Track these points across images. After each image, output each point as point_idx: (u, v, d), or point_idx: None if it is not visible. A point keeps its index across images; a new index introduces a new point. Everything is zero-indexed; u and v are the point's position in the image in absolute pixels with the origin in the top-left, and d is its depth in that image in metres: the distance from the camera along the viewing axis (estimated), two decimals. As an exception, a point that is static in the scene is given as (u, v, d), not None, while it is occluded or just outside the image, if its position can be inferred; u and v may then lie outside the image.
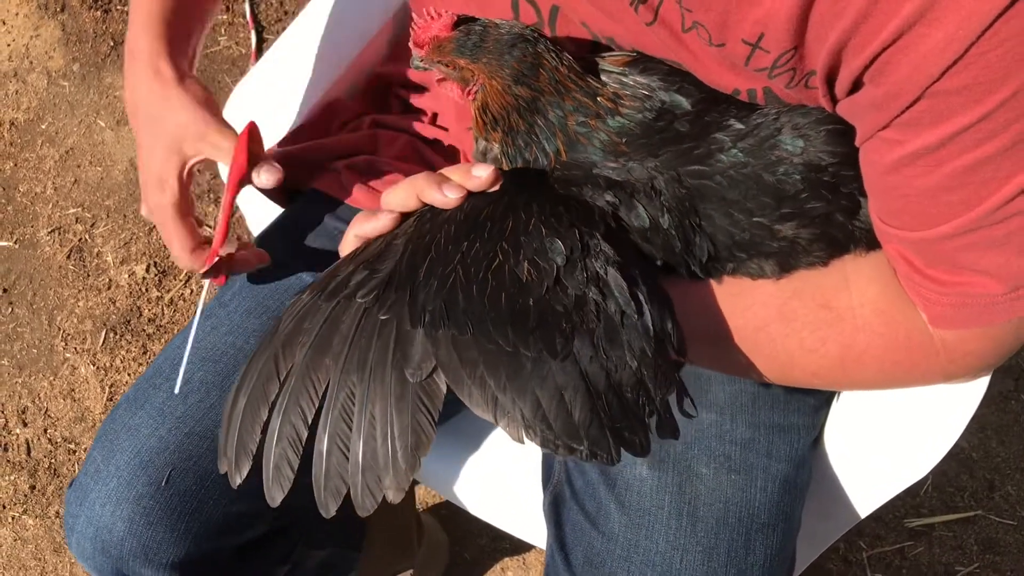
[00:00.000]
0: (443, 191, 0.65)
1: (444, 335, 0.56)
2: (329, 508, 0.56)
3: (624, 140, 0.66)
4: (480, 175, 0.65)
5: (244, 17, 1.96)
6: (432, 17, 0.67)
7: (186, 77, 0.85)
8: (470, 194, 0.66)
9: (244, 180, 0.83)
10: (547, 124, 0.66)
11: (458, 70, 0.67)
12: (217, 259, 0.84)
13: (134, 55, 0.85)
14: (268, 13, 1.97)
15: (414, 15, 0.68)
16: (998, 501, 1.50)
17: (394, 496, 0.55)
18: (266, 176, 0.83)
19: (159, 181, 0.82)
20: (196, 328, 0.86)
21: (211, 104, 0.85)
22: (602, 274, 0.59)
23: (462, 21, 0.67)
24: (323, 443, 0.56)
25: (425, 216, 0.65)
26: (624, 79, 0.67)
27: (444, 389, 0.55)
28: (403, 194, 0.67)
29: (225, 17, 1.97)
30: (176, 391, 0.83)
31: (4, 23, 2.00)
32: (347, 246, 0.69)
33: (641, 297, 0.59)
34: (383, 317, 0.57)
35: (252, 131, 0.84)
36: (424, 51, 0.68)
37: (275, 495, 0.57)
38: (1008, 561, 1.47)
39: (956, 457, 1.52)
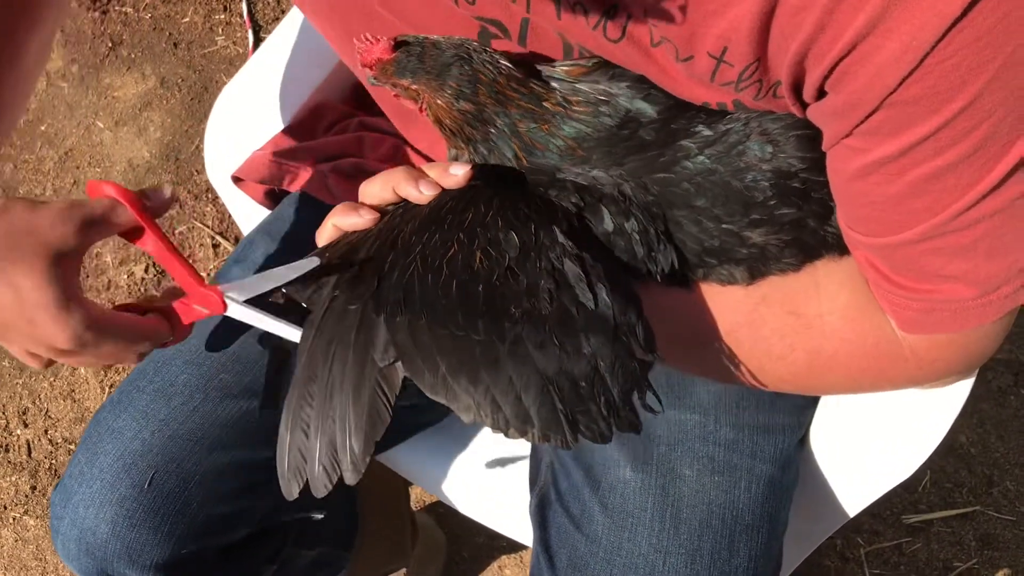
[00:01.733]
0: (418, 187, 0.66)
1: (401, 321, 0.57)
2: (292, 490, 0.57)
3: (582, 145, 0.66)
4: (456, 173, 0.67)
5: (241, 16, 1.96)
6: (371, 41, 0.68)
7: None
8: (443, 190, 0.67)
9: (147, 216, 0.67)
10: (499, 132, 0.67)
11: (404, 89, 0.68)
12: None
13: None
14: (265, 12, 1.97)
15: (355, 40, 0.69)
16: (997, 497, 1.49)
17: (350, 478, 0.55)
18: (156, 195, 0.67)
19: (57, 305, 0.62)
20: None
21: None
22: (558, 266, 0.59)
23: (401, 43, 0.67)
24: (287, 424, 0.57)
25: (398, 211, 0.67)
26: (577, 86, 0.66)
27: (402, 376, 0.56)
28: (380, 187, 0.68)
29: (222, 17, 1.97)
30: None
31: (4, 25, 2.01)
32: (324, 234, 0.70)
33: (601, 289, 0.59)
34: (351, 307, 0.59)
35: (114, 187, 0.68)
36: (373, 72, 0.69)
37: (292, 490, 0.58)
38: (1006, 557, 1.46)
39: (954, 452, 1.51)
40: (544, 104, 0.66)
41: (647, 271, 0.66)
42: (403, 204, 0.67)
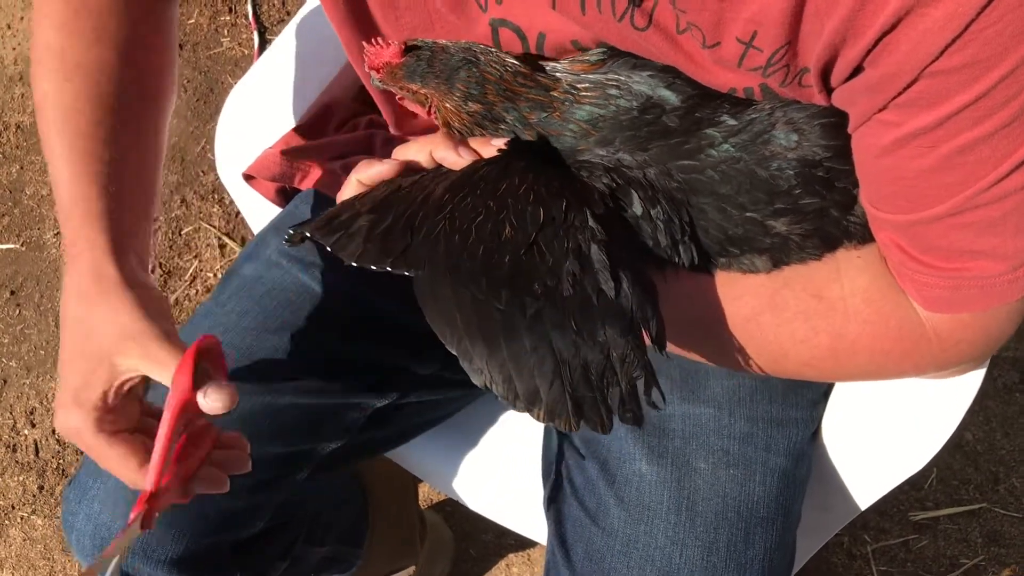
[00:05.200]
0: (457, 151, 0.67)
1: (425, 275, 0.58)
2: None
3: (596, 126, 0.66)
4: (499, 144, 0.68)
5: (246, 18, 1.96)
6: (382, 45, 0.69)
7: (136, 283, 0.71)
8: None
9: (189, 405, 0.66)
10: (509, 128, 0.68)
11: (413, 94, 0.69)
12: (147, 507, 0.66)
13: (75, 256, 0.71)
14: (271, 14, 1.97)
15: (364, 44, 0.70)
16: (1003, 494, 1.49)
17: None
18: (214, 398, 0.66)
19: (74, 396, 0.68)
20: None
21: (163, 315, 0.71)
22: (584, 249, 0.60)
23: (411, 47, 0.68)
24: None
25: (429, 173, 0.67)
26: (582, 76, 0.67)
27: None
28: (416, 149, 0.69)
29: (228, 18, 1.98)
30: None
31: (9, 27, 2.02)
32: (348, 190, 0.70)
33: (623, 278, 0.59)
34: (384, 263, 0.60)
35: (205, 347, 0.68)
36: (380, 76, 0.70)
37: None
38: (1013, 553, 1.46)
39: (961, 450, 1.52)
40: (552, 93, 0.67)
41: (669, 260, 0.67)
42: (435, 169, 0.68)
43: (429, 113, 0.70)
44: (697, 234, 0.67)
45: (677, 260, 0.67)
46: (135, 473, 0.69)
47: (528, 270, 0.58)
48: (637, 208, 0.65)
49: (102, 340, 0.68)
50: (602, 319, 0.58)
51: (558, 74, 0.67)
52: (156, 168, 0.81)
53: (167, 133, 0.85)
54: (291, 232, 0.64)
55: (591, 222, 0.61)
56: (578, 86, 0.66)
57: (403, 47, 0.68)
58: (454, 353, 0.57)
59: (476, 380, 0.56)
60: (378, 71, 0.69)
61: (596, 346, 0.57)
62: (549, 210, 0.61)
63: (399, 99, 0.72)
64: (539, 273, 0.58)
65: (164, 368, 0.67)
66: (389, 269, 0.59)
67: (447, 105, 0.68)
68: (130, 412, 0.71)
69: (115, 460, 0.69)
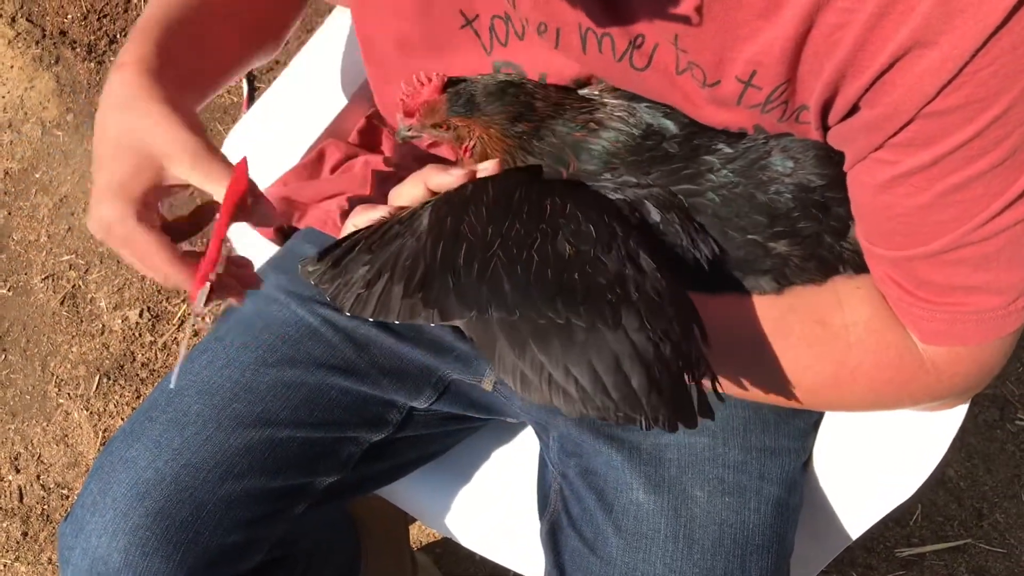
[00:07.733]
0: (449, 172, 0.68)
1: (490, 320, 0.57)
2: None
3: (617, 152, 0.69)
4: (486, 166, 0.69)
5: (236, 67, 1.99)
6: (421, 83, 0.70)
7: (182, 105, 0.73)
8: (495, 179, 0.68)
9: (239, 210, 0.69)
10: (553, 145, 0.69)
11: (453, 130, 0.71)
12: (209, 283, 0.68)
13: (121, 66, 0.73)
14: (260, 62, 2.01)
15: (403, 84, 0.71)
16: (987, 529, 1.51)
17: None
18: (263, 212, 0.70)
19: (118, 188, 0.68)
20: (181, 364, 0.75)
21: (204, 133, 0.72)
22: (634, 256, 0.61)
23: (449, 83, 0.70)
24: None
25: (440, 207, 0.66)
26: (606, 98, 0.70)
27: None
28: (410, 186, 0.69)
29: (217, 67, 2.01)
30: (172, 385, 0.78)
31: (-1, 75, 2.03)
32: (347, 232, 0.71)
33: (669, 279, 0.61)
34: (426, 311, 0.59)
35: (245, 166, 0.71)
36: (416, 119, 0.71)
37: None
38: (1000, 589, 1.48)
39: (944, 486, 1.53)
40: (593, 113, 0.69)
41: (694, 259, 0.69)
42: (442, 200, 0.67)
43: (466, 150, 0.72)
44: (708, 232, 0.68)
45: (700, 256, 0.68)
46: (170, 266, 0.69)
47: (597, 282, 0.59)
48: (655, 215, 0.67)
49: (153, 143, 0.69)
50: (670, 317, 0.58)
51: (589, 95, 0.70)
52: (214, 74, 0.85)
53: (245, 66, 0.92)
54: (303, 267, 0.67)
55: (631, 232, 0.63)
56: (606, 109, 0.69)
57: (443, 82, 0.70)
58: (539, 398, 0.56)
59: (570, 410, 0.55)
60: (413, 114, 0.71)
61: (670, 344, 0.57)
62: (598, 225, 0.62)
63: (427, 145, 0.73)
64: (608, 283, 0.59)
65: (214, 180, 0.68)
66: (433, 324, 0.59)
67: (491, 131, 0.69)
68: (153, 220, 0.71)
69: (153, 248, 0.68)
